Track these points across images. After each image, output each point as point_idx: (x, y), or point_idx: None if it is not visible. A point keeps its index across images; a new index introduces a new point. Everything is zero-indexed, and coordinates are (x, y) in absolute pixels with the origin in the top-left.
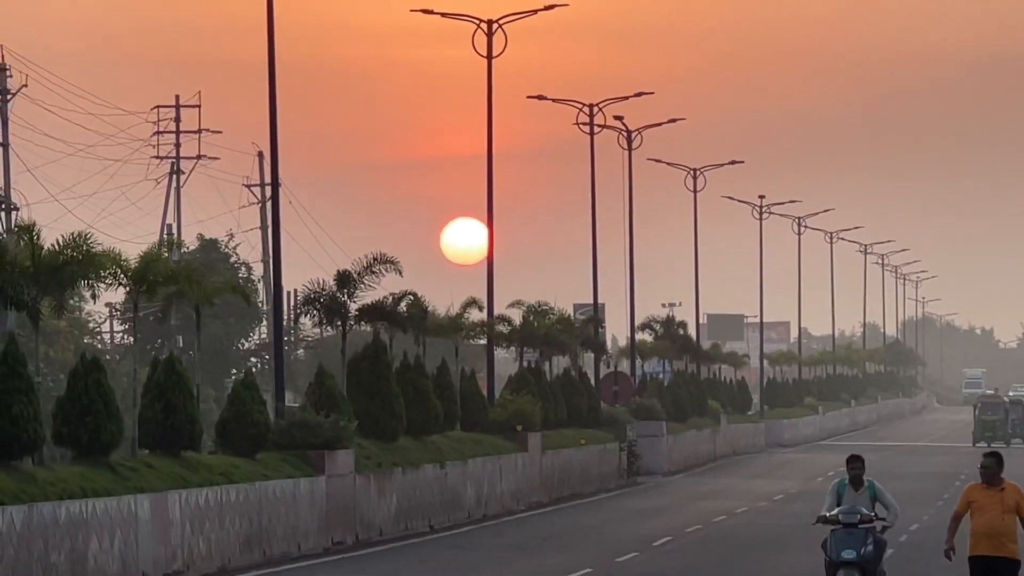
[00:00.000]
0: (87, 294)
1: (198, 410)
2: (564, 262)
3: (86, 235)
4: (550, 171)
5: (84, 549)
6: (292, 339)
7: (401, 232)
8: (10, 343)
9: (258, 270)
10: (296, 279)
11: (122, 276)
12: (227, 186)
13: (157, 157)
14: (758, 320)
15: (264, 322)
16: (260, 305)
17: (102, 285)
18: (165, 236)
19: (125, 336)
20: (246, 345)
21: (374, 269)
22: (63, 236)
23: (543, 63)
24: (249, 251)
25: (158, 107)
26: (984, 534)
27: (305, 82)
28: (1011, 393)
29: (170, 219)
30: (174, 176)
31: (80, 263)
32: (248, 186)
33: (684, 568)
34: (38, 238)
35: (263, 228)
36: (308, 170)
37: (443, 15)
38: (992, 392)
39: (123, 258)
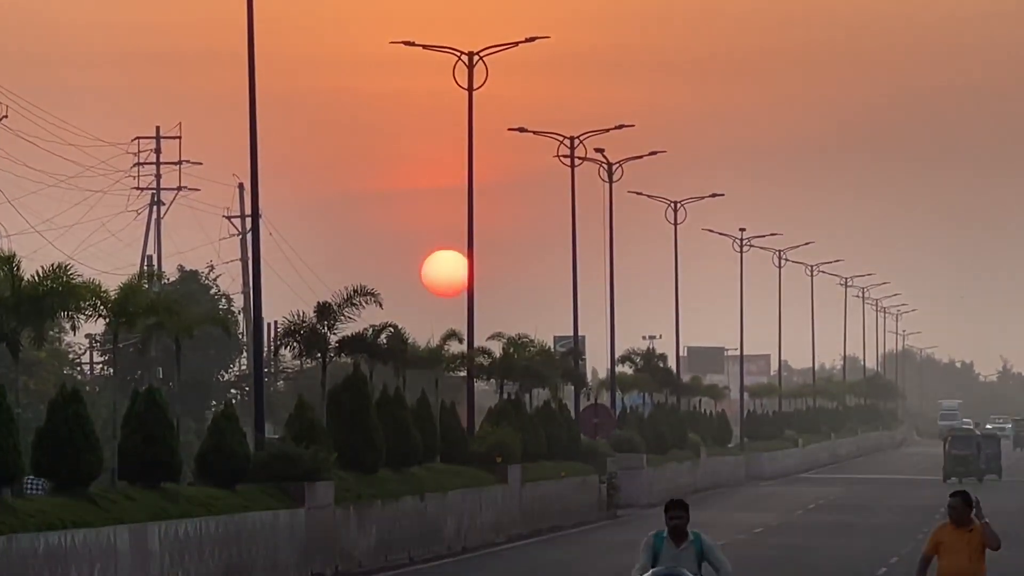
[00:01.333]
0: (67, 325)
1: (178, 441)
2: (544, 294)
3: (66, 266)
4: (531, 203)
5: None
6: (272, 371)
7: (381, 263)
8: None
9: (238, 301)
10: (277, 310)
11: (102, 308)
12: (208, 217)
13: (137, 188)
14: (738, 353)
15: (244, 353)
16: (240, 336)
17: (82, 317)
18: (145, 267)
19: (105, 367)
20: (226, 376)
21: (354, 301)
22: (43, 268)
23: (524, 96)
24: (229, 283)
25: (138, 138)
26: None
27: (285, 113)
28: (987, 426)
29: (150, 250)
30: (154, 207)
31: (60, 294)
32: (228, 217)
33: None
34: (18, 269)
35: (243, 260)
36: (288, 201)
37: (424, 47)
38: (964, 425)
39: (103, 290)
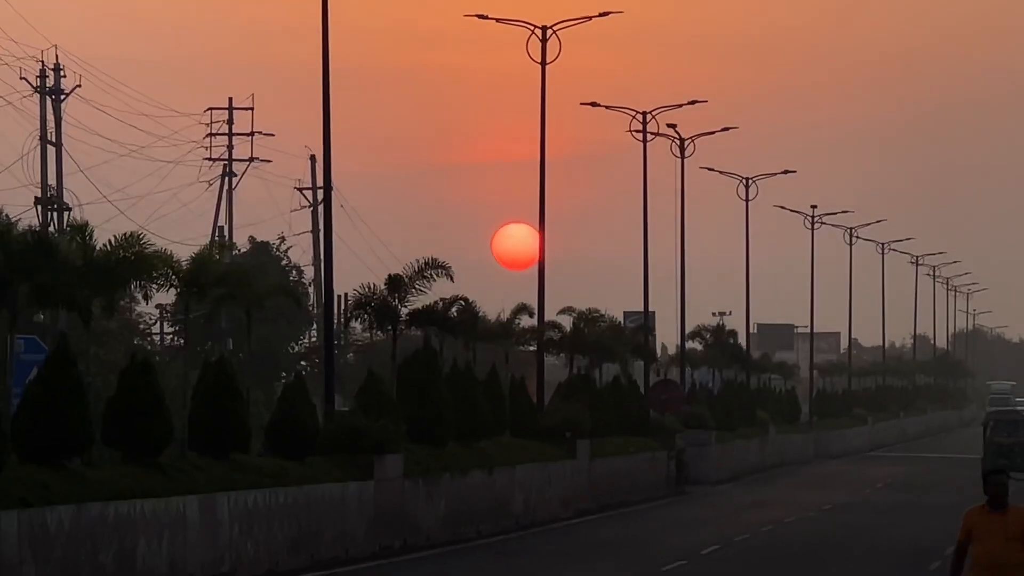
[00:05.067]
0: (139, 295)
1: (248, 412)
2: (615, 269)
3: (139, 235)
4: (602, 178)
5: (132, 549)
6: (342, 343)
7: (452, 237)
8: (60, 343)
9: (309, 273)
10: (347, 283)
11: (173, 278)
12: (279, 189)
13: (209, 159)
14: (808, 330)
15: (314, 326)
16: (311, 309)
17: (154, 286)
18: (216, 238)
19: (175, 338)
20: (296, 349)
21: (425, 274)
22: (115, 237)
23: (596, 70)
24: (300, 255)
25: (211, 109)
26: (985, 566)
27: (357, 86)
28: None
29: (222, 221)
30: (226, 178)
31: (132, 264)
32: (300, 189)
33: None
34: (90, 238)
35: (314, 231)
36: (359, 174)
37: (497, 20)
38: (1006, 407)
39: (175, 260)
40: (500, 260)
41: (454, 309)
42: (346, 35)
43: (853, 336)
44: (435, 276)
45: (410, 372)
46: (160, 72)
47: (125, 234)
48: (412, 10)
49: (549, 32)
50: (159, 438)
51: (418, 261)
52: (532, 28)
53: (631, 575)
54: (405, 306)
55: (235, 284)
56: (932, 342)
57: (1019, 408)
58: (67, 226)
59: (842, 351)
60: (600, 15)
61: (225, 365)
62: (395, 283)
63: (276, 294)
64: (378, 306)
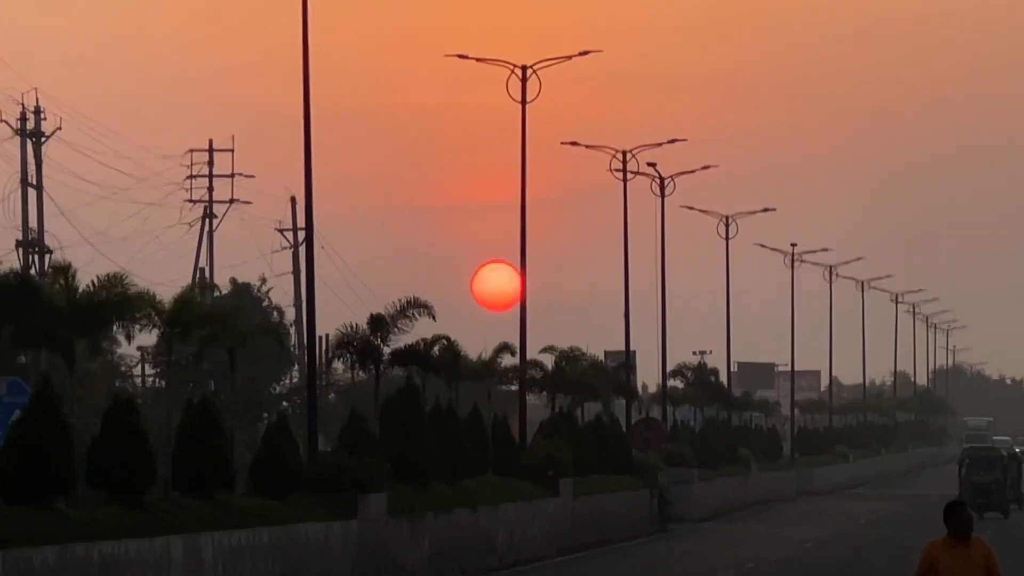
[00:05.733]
0: (121, 336)
1: (231, 451)
2: (595, 309)
3: (121, 276)
4: (582, 217)
5: None
6: (324, 384)
7: (431, 278)
8: (44, 383)
9: (290, 315)
10: (327, 324)
11: (156, 318)
12: (260, 230)
13: (190, 201)
14: (788, 369)
15: (296, 367)
16: (292, 349)
17: (137, 327)
18: (198, 279)
19: (157, 380)
20: (277, 390)
21: (407, 313)
22: (98, 278)
23: (576, 110)
24: (281, 296)
25: (191, 151)
26: None
27: (337, 127)
28: (1017, 448)
29: (203, 263)
30: (207, 220)
31: (115, 305)
32: (281, 231)
33: None
34: (73, 279)
35: (295, 273)
36: (340, 215)
37: (478, 60)
38: (982, 444)
39: (157, 300)
40: (480, 301)
41: (436, 348)
42: (325, 76)
43: (833, 374)
44: (417, 315)
45: (393, 411)
46: (140, 114)
47: (108, 275)
48: (391, 52)
49: (529, 71)
50: (143, 478)
51: (400, 300)
52: (512, 67)
53: None
54: (387, 345)
55: (218, 324)
56: (913, 379)
57: (995, 445)
58: (49, 268)
59: (822, 389)
60: (580, 54)
61: (209, 405)
62: (377, 322)
63: (259, 334)
64: (360, 345)
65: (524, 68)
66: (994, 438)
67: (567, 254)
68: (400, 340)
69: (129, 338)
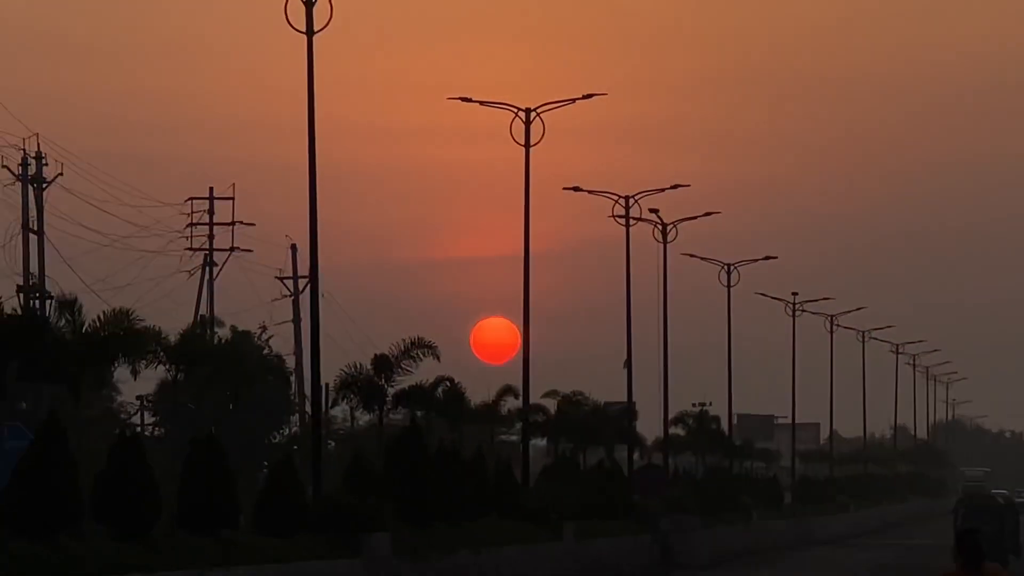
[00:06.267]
0: (127, 371)
1: (237, 488)
2: (595, 360)
3: (127, 312)
4: (583, 268)
5: None
6: (324, 431)
7: (430, 330)
8: (50, 416)
9: (290, 363)
10: (327, 372)
11: (162, 354)
12: (260, 278)
13: (191, 249)
14: (788, 421)
15: (296, 415)
16: (292, 398)
17: (143, 362)
18: (202, 316)
19: (156, 428)
20: (278, 439)
21: (412, 353)
22: (104, 313)
23: (578, 155)
24: (282, 344)
25: (192, 199)
26: None
27: (336, 179)
28: (1017, 500)
29: (203, 310)
30: (207, 268)
31: (121, 340)
32: (281, 279)
33: None
34: (79, 314)
35: (296, 321)
36: (339, 266)
37: (481, 103)
38: (978, 495)
39: (163, 336)
40: (479, 353)
41: (440, 389)
42: (324, 128)
43: (833, 427)
44: (421, 356)
45: (397, 451)
46: (141, 162)
47: (114, 310)
48: (393, 106)
49: (533, 114)
50: (149, 513)
51: (404, 340)
52: (516, 111)
53: None
54: (391, 386)
55: (224, 360)
56: (912, 432)
57: (990, 494)
58: (54, 303)
59: (821, 442)
60: (584, 97)
61: (214, 443)
62: (381, 363)
63: (263, 372)
64: (364, 386)
65: (528, 111)
66: (993, 491)
67: (566, 306)
68: (404, 381)
69: (135, 373)
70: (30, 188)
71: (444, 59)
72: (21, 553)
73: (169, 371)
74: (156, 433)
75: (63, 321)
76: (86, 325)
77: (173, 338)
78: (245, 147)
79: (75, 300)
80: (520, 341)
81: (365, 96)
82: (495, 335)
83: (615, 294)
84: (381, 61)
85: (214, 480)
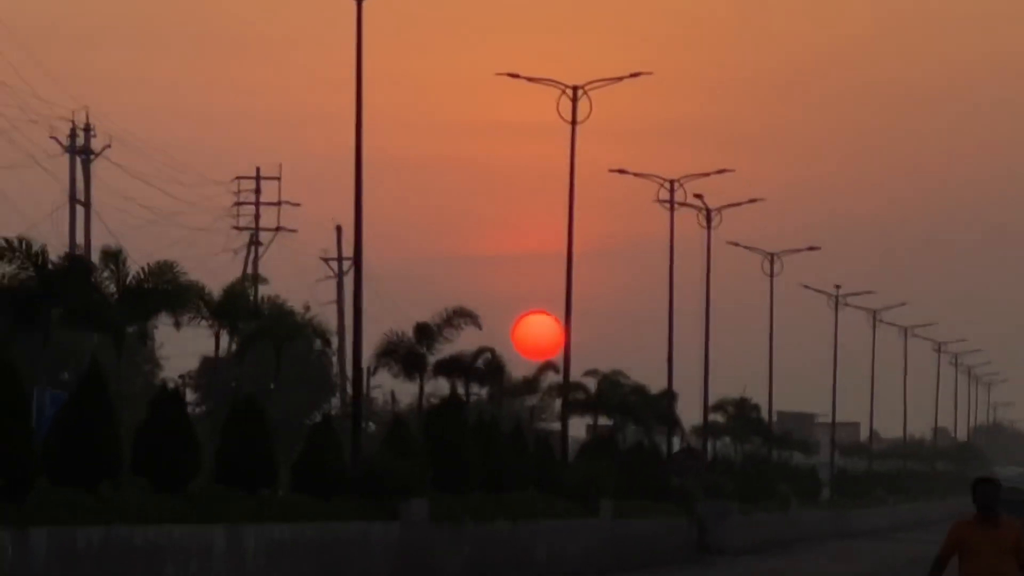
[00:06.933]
0: (169, 325)
1: (275, 447)
2: (636, 350)
3: (171, 264)
4: (626, 266)
5: (158, 574)
6: (365, 412)
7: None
8: (93, 366)
9: (333, 343)
10: (369, 352)
11: (204, 309)
12: (304, 259)
13: (236, 228)
14: (828, 420)
15: (336, 396)
16: (333, 378)
17: (186, 317)
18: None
19: (198, 407)
20: (318, 419)
21: (453, 322)
22: (148, 265)
23: (622, 152)
24: (325, 325)
25: (239, 178)
26: None
27: (383, 173)
28: None
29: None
30: (253, 247)
31: (164, 293)
32: (326, 260)
33: None
34: (123, 265)
35: (339, 302)
36: (383, 258)
37: (529, 79)
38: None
39: (207, 291)
40: (520, 350)
41: (481, 360)
42: (371, 118)
43: (873, 428)
44: (463, 325)
45: (437, 420)
46: (189, 145)
47: (158, 262)
48: (442, 101)
49: (580, 92)
50: (187, 468)
51: (446, 309)
52: (563, 88)
53: None
54: (432, 354)
55: (267, 317)
56: (953, 434)
57: (1018, 488)
58: (100, 251)
59: (862, 440)
60: (631, 75)
61: (255, 402)
62: (423, 331)
63: (306, 329)
64: (405, 353)
65: (575, 88)
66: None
67: (609, 301)
68: (445, 351)
69: (177, 325)
70: (78, 160)
71: (495, 54)
72: (60, 498)
73: (212, 326)
74: (198, 412)
75: (107, 272)
76: (130, 277)
77: (217, 295)
78: (294, 136)
79: (119, 251)
80: (563, 338)
81: (413, 88)
82: (538, 331)
83: (658, 289)
84: (430, 53)
85: (253, 438)
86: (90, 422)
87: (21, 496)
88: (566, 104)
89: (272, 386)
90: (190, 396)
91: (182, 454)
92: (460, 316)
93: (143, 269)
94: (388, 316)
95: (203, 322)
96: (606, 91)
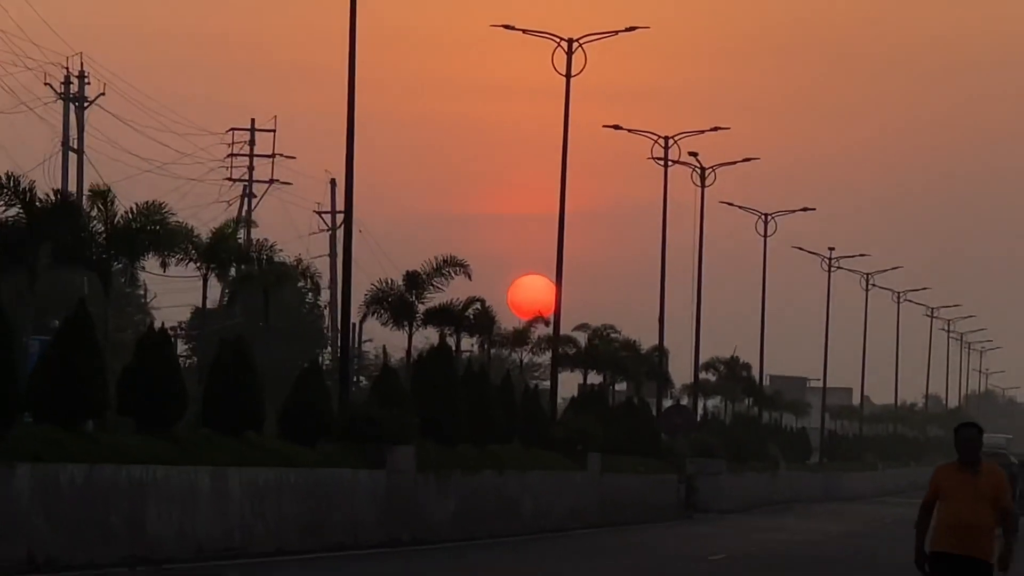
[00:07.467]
0: (156, 264)
1: (263, 391)
2: (627, 307)
3: (160, 205)
4: (619, 228)
5: (142, 514)
6: (356, 366)
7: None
8: (79, 305)
9: (325, 297)
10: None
11: (193, 252)
12: (298, 212)
13: (230, 179)
14: (819, 385)
15: (328, 348)
16: (325, 331)
17: (173, 259)
18: (236, 217)
19: (190, 358)
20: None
21: (443, 271)
22: (136, 205)
23: (617, 112)
24: (317, 280)
25: (233, 129)
26: (952, 526)
27: (378, 132)
28: None
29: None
30: (246, 199)
31: (153, 233)
32: (319, 212)
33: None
34: (112, 204)
35: (331, 255)
36: (376, 214)
37: (524, 31)
38: (998, 450)
39: (195, 234)
40: (515, 311)
41: (471, 310)
42: (366, 75)
43: (865, 394)
44: (453, 274)
45: (425, 369)
46: (184, 88)
47: (147, 202)
48: (436, 58)
49: (575, 45)
50: (174, 409)
51: (436, 258)
52: (558, 40)
53: (641, 573)
54: (422, 303)
55: (254, 262)
56: (944, 401)
57: (1003, 455)
58: (89, 191)
59: (853, 405)
60: (627, 29)
61: (242, 344)
62: (413, 280)
63: (296, 275)
64: (395, 302)
65: (570, 41)
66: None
67: (602, 263)
68: (435, 300)
69: (164, 266)
70: (71, 107)
71: (489, 10)
72: (44, 435)
73: (200, 269)
74: (189, 365)
75: (95, 210)
76: (118, 216)
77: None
78: (290, 90)
79: (108, 190)
80: (557, 301)
81: (408, 45)
82: (532, 292)
83: (651, 249)
84: (425, 9)
85: (240, 381)
86: (75, 360)
87: (3, 432)
88: (561, 58)
89: (261, 324)
90: (181, 347)
91: (169, 395)
92: (450, 265)
93: (131, 210)
94: (380, 271)
95: (191, 264)
96: (601, 50)
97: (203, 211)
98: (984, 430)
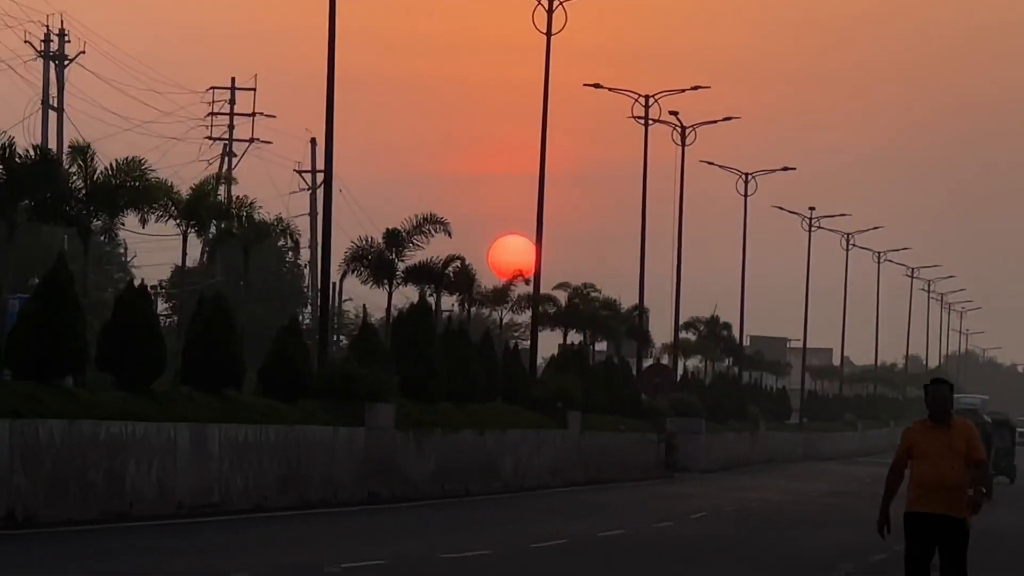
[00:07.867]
0: (136, 220)
1: (242, 348)
2: (609, 264)
3: (140, 162)
4: (599, 189)
5: (122, 470)
6: (336, 325)
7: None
8: (59, 261)
9: (305, 257)
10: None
11: (173, 208)
12: (279, 171)
13: (210, 138)
14: (800, 345)
15: (308, 308)
16: (305, 291)
17: (153, 215)
18: (218, 173)
19: (170, 317)
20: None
21: (423, 229)
22: (116, 161)
23: (599, 72)
24: (297, 237)
25: (213, 88)
26: (927, 485)
27: (360, 92)
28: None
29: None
30: (226, 158)
31: (132, 189)
32: (300, 172)
33: (720, 535)
34: (91, 160)
35: (312, 215)
36: (356, 174)
37: None
38: (969, 406)
39: (175, 191)
40: (496, 271)
41: (451, 267)
42: (348, 35)
43: (845, 354)
44: (433, 232)
45: (405, 327)
46: (164, 46)
47: (127, 159)
48: (418, 16)
49: (556, 3)
50: (153, 365)
51: (416, 216)
52: None
53: (621, 530)
54: (402, 261)
55: (234, 219)
56: (924, 362)
57: (976, 412)
58: (69, 147)
59: (834, 365)
60: None
61: (221, 300)
62: (393, 237)
63: (274, 230)
64: (374, 259)
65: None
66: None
67: (583, 224)
68: (415, 258)
69: (143, 222)
70: (51, 65)
71: None
72: (23, 391)
73: (180, 226)
74: (170, 324)
75: (75, 167)
76: (98, 173)
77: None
78: (270, 49)
79: (87, 146)
80: (537, 258)
81: (387, 6)
82: (513, 253)
83: (631, 210)
84: None
85: (219, 338)
86: (54, 316)
87: None
88: (541, 17)
89: (241, 283)
90: (162, 306)
91: (148, 351)
92: (431, 223)
93: (111, 166)
94: (360, 231)
95: (171, 222)
96: (582, 8)
97: (183, 170)
98: (958, 388)
